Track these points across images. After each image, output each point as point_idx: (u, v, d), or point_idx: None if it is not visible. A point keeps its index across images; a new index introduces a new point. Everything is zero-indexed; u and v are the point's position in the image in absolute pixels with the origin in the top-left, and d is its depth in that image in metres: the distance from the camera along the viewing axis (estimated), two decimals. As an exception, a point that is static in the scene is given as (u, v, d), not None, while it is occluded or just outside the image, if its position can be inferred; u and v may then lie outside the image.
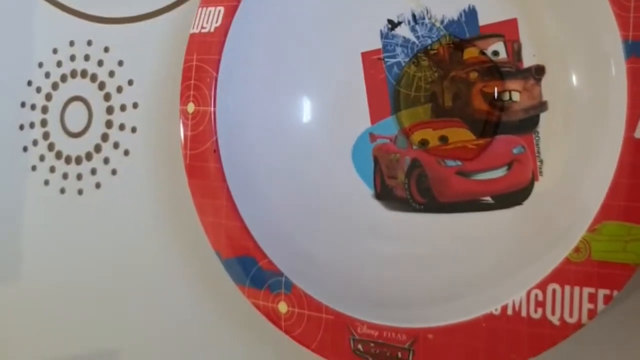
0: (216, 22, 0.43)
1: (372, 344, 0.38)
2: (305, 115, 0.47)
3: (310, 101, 0.47)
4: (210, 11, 0.43)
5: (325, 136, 0.47)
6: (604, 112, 0.37)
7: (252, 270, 0.41)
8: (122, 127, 0.54)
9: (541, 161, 0.41)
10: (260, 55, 0.44)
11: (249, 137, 0.45)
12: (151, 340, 0.50)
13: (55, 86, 0.56)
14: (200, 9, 0.44)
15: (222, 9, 0.43)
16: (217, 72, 0.43)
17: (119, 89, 0.54)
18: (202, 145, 0.43)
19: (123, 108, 0.54)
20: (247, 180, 0.43)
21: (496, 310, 0.36)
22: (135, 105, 0.53)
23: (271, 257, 0.42)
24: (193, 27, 0.44)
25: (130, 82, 0.54)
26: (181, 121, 0.45)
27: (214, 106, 0.44)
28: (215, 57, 0.43)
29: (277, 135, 0.45)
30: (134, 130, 0.53)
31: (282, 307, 0.40)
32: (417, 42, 0.44)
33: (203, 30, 0.44)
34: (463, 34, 0.43)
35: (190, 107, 0.44)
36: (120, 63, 0.54)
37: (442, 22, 0.43)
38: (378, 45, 0.46)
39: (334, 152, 0.46)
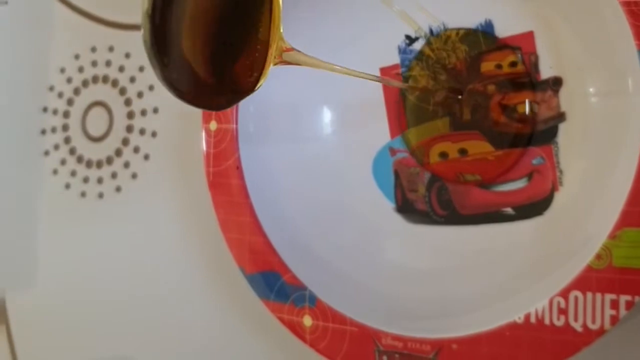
0: None
1: (397, 355, 0.40)
2: (326, 129, 0.50)
3: (331, 115, 0.50)
4: None
5: (346, 150, 0.49)
6: (622, 121, 0.39)
7: (276, 284, 0.44)
8: (142, 131, 0.57)
9: (561, 171, 0.43)
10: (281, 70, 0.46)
11: (270, 152, 0.47)
12: (169, 353, 0.53)
13: (77, 91, 0.60)
14: None
15: None
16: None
17: (140, 94, 0.57)
18: (225, 162, 0.46)
19: (144, 113, 0.57)
20: (269, 195, 0.46)
21: (519, 318, 0.38)
22: (155, 110, 0.56)
23: (295, 271, 0.44)
24: None
25: (151, 88, 0.57)
26: (204, 139, 0.46)
27: (236, 123, 0.46)
28: None
29: (298, 149, 0.48)
30: (154, 134, 0.56)
31: (307, 320, 0.42)
32: (433, 55, 0.46)
33: None
34: (480, 46, 0.45)
35: (213, 125, 0.46)
36: (141, 69, 0.57)
37: (457, 34, 0.45)
38: (396, 60, 0.48)
39: (355, 166, 0.49)
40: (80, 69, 0.58)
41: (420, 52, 0.47)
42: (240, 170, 0.45)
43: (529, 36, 0.44)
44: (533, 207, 0.44)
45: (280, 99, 0.48)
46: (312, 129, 0.49)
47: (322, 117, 0.50)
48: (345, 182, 0.48)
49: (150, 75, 0.54)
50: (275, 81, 0.45)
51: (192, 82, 0.34)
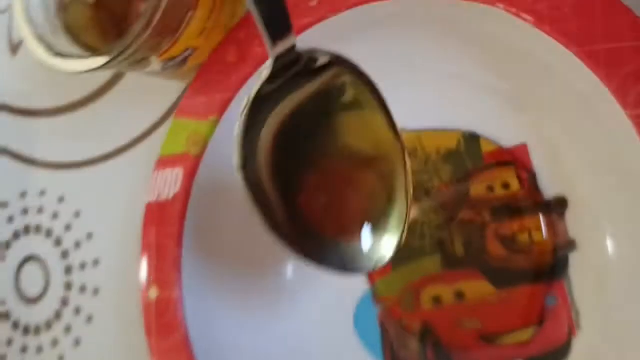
0: (174, 187, 0.41)
1: None
2: (292, 281, 0.45)
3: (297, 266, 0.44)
4: (167, 175, 0.41)
5: (321, 306, 0.44)
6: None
7: None
8: (83, 289, 0.52)
9: (577, 312, 0.39)
10: (229, 220, 0.41)
11: (226, 323, 0.43)
12: None
13: (7, 245, 0.55)
14: (155, 173, 0.42)
15: (180, 171, 0.41)
16: (180, 248, 0.40)
17: (77, 245, 0.52)
18: (171, 335, 0.40)
19: (83, 266, 0.52)
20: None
21: None
22: (96, 263, 0.51)
23: None
24: (149, 195, 0.42)
25: (89, 236, 0.52)
26: (143, 310, 0.41)
27: (181, 289, 0.41)
28: (176, 230, 0.41)
29: (263, 314, 0.43)
30: (96, 292, 0.51)
31: None
32: (412, 179, 0.41)
33: (160, 199, 0.41)
34: (465, 166, 0.41)
35: (153, 293, 0.41)
36: (77, 214, 0.52)
37: (438, 153, 0.40)
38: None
39: (333, 324, 0.44)
40: (10, 219, 0.54)
41: None
42: (188, 348, 0.39)
43: (523, 149, 0.38)
44: (548, 358, 0.39)
45: (231, 257, 0.44)
46: (274, 284, 0.44)
47: (285, 269, 0.45)
48: (324, 342, 0.43)
49: (88, 222, 0.51)
50: (224, 234, 0.43)
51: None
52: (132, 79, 0.51)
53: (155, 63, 0.40)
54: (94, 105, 0.53)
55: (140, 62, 0.38)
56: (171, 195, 0.41)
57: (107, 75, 0.52)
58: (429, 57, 0.40)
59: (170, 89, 0.48)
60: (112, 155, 0.53)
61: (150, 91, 0.50)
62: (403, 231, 0.35)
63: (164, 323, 0.41)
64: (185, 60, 0.41)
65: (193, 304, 0.42)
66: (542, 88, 0.37)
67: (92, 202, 0.52)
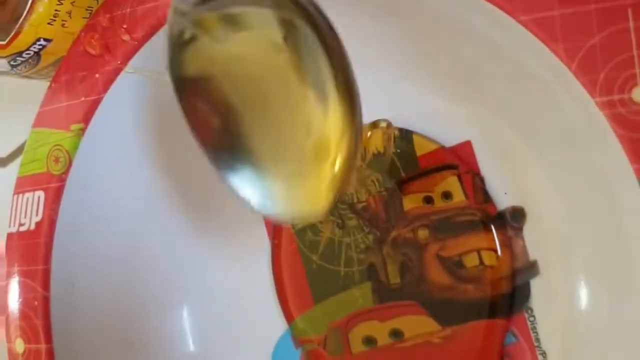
0: (37, 215, 0.31)
1: None
2: (192, 338, 0.38)
3: (193, 315, 0.37)
4: (27, 198, 0.32)
5: (230, 355, 0.37)
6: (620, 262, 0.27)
7: None
8: None
9: (543, 354, 0.31)
10: (109, 257, 0.32)
11: None
12: None
13: None
14: (15, 196, 0.32)
15: (41, 194, 0.31)
16: (47, 291, 0.32)
17: None
18: None
19: None
20: None
21: None
22: None
23: None
24: (10, 224, 0.32)
25: None
26: None
27: (50, 341, 0.34)
28: (41, 268, 0.31)
29: None
30: None
31: None
32: None
33: (22, 229, 0.32)
34: (397, 172, 0.34)
35: (20, 345, 0.35)
36: None
37: (363, 158, 0.31)
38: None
39: None
40: None
41: None
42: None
43: (466, 149, 0.29)
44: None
45: (110, 302, 0.36)
46: (168, 340, 0.37)
47: (181, 321, 0.38)
48: None
49: None
50: (100, 272, 0.36)
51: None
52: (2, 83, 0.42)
53: None
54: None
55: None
56: (33, 224, 0.32)
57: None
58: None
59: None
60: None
61: (25, 97, 0.40)
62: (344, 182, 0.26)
63: None
64: (38, 55, 0.31)
65: (66, 354, 0.34)
66: (486, 72, 0.28)
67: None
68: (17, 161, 0.43)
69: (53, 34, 0.32)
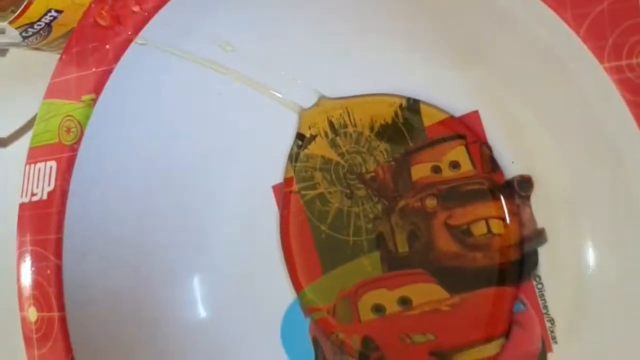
0: (49, 185, 0.32)
1: None
2: (202, 306, 0.38)
3: (204, 283, 0.38)
4: (39, 169, 0.32)
5: (239, 323, 0.37)
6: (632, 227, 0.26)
7: None
8: None
9: (551, 320, 0.31)
10: (121, 225, 0.33)
11: (125, 346, 0.36)
12: None
13: None
14: (27, 166, 0.33)
15: (53, 164, 0.31)
16: (60, 260, 0.33)
17: None
18: None
19: None
20: None
21: None
22: None
23: None
24: (22, 194, 0.33)
25: None
26: (22, 335, 0.35)
27: (63, 309, 0.34)
28: (53, 237, 0.31)
29: (167, 344, 0.36)
30: None
31: None
32: (342, 162, 0.32)
33: (34, 199, 0.32)
34: (405, 143, 0.34)
35: (32, 314, 0.35)
36: None
37: (372, 128, 0.31)
38: (289, 172, 0.36)
39: (255, 342, 0.37)
40: None
41: (324, 158, 0.32)
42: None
43: (474, 118, 0.29)
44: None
45: (124, 272, 0.36)
46: (180, 311, 0.38)
47: (192, 291, 0.38)
48: None
49: None
50: (114, 242, 0.36)
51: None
52: (16, 56, 0.42)
53: (10, 30, 0.30)
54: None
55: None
56: (45, 194, 0.32)
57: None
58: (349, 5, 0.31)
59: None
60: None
61: (37, 69, 0.40)
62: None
63: (47, 351, 0.34)
64: (49, 27, 0.31)
65: (79, 327, 0.34)
66: (493, 39, 0.28)
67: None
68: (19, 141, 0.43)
69: (64, 6, 0.32)
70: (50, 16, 0.31)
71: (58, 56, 0.34)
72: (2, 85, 0.45)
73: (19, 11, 0.30)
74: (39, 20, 0.31)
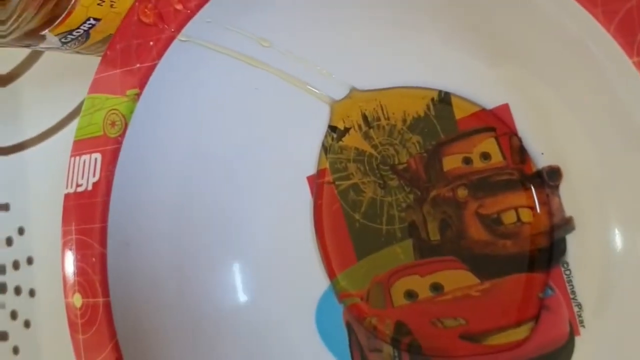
0: (94, 176, 0.33)
1: None
2: (241, 291, 0.39)
3: (243, 270, 0.40)
4: (84, 160, 0.33)
5: (275, 309, 0.38)
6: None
7: None
8: (18, 290, 0.46)
9: (579, 305, 0.32)
10: (163, 215, 0.34)
11: (167, 331, 0.37)
12: None
13: None
14: (71, 159, 0.34)
15: (98, 156, 0.33)
16: (104, 248, 0.33)
17: (9, 241, 0.47)
18: (101, 352, 0.33)
19: (16, 265, 0.46)
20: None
21: None
22: (30, 261, 0.46)
23: None
24: (67, 185, 0.34)
25: (20, 231, 0.46)
26: (67, 320, 0.36)
27: (107, 295, 0.35)
28: (98, 226, 0.33)
29: (208, 328, 0.37)
30: (32, 293, 0.46)
31: None
32: (375, 153, 0.33)
33: (79, 189, 0.33)
34: (437, 135, 0.35)
35: (77, 300, 0.36)
36: (6, 207, 0.47)
37: (404, 121, 0.32)
38: (323, 163, 0.37)
39: (291, 326, 0.38)
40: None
41: (357, 150, 0.33)
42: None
43: (504, 111, 0.31)
44: (547, 361, 0.30)
45: (166, 259, 0.38)
46: (220, 293, 0.39)
47: (233, 275, 0.40)
48: (282, 350, 0.38)
49: (17, 215, 0.46)
50: (157, 230, 0.37)
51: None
52: (53, 55, 0.43)
53: (51, 37, 0.32)
54: (14, 85, 0.46)
55: (31, 36, 0.33)
56: (90, 185, 0.33)
57: (23, 53, 0.45)
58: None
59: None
60: (36, 140, 0.47)
61: (74, 67, 0.44)
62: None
63: (92, 335, 0.36)
64: (87, 34, 0.33)
65: (123, 311, 0.36)
66: (523, 33, 0.30)
67: (19, 193, 0.46)
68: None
69: (102, 14, 0.33)
70: (89, 24, 0.33)
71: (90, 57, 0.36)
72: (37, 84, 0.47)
73: (60, 19, 0.31)
74: (78, 27, 0.33)
